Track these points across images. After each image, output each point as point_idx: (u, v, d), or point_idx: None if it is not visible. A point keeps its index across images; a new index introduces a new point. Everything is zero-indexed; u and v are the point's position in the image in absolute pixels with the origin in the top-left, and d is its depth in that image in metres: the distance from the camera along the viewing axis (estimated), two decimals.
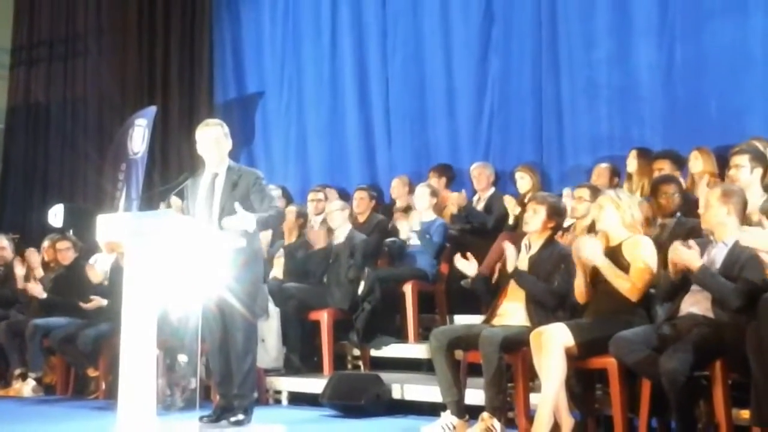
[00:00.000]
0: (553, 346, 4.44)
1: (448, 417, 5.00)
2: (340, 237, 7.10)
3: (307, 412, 6.10)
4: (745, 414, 4.19)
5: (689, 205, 5.55)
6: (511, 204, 7.04)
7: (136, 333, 4.37)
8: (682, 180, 6.11)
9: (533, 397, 4.82)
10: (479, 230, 7.32)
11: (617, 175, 7.05)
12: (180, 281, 4.92)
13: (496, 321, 5.11)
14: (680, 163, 6.53)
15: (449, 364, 5.02)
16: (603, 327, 4.49)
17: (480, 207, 7.64)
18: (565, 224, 5.80)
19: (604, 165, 7.10)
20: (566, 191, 6.64)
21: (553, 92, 7.97)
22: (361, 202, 7.90)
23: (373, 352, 6.76)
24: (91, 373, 7.13)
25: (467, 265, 5.27)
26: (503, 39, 8.34)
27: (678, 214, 5.44)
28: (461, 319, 6.70)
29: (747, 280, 4.17)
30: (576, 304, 4.87)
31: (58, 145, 11.41)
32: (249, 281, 5.18)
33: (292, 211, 7.58)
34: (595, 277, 4.73)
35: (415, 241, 7.09)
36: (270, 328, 6.61)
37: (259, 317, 5.38)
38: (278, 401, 6.56)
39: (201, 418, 5.23)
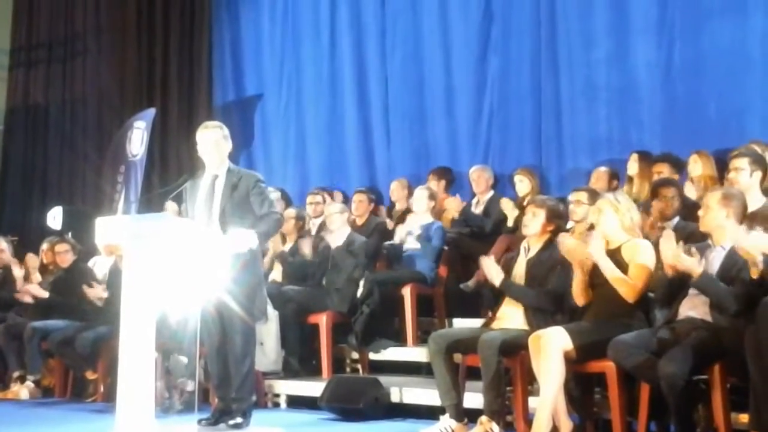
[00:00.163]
0: (551, 349, 4.43)
1: (446, 420, 5.00)
2: (338, 240, 7.09)
3: (305, 416, 6.09)
4: (744, 418, 4.18)
5: (689, 208, 5.53)
6: (508, 207, 7.04)
7: (134, 336, 4.37)
8: (688, 183, 6.12)
9: (532, 401, 4.81)
10: (478, 234, 7.31)
11: (616, 178, 7.05)
12: (179, 284, 4.92)
13: (494, 324, 5.11)
14: (679, 166, 6.53)
15: (448, 367, 5.01)
16: (602, 330, 4.49)
17: (479, 210, 7.62)
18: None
19: (603, 168, 7.09)
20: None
21: (552, 92, 7.97)
22: (360, 205, 7.90)
23: (372, 356, 6.74)
24: (90, 375, 7.12)
25: (496, 271, 5.13)
26: (502, 38, 8.33)
27: (677, 218, 5.43)
28: (460, 323, 6.69)
29: (744, 283, 4.16)
30: (574, 308, 4.86)
31: (57, 146, 11.42)
32: (248, 284, 5.18)
33: (291, 214, 7.57)
34: (593, 280, 4.72)
35: (410, 244, 7.07)
36: (269, 331, 6.60)
37: (257, 320, 5.37)
38: (277, 404, 6.55)
39: (199, 421, 5.23)
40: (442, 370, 5.00)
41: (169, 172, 10.12)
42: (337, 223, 7.12)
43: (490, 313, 5.26)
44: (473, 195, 7.83)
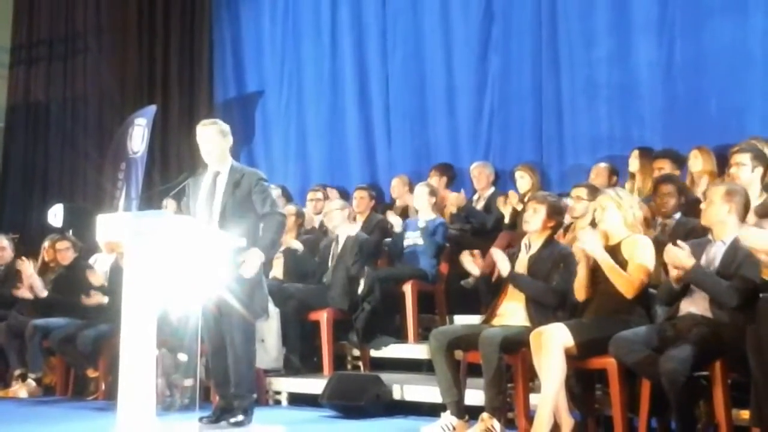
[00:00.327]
0: (552, 346, 4.43)
1: (447, 417, 4.99)
2: (340, 237, 7.10)
3: (306, 413, 6.09)
4: (745, 414, 4.18)
5: (689, 204, 5.53)
6: (514, 199, 7.03)
7: (135, 333, 4.37)
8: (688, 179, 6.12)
9: (533, 398, 4.81)
10: (479, 230, 7.32)
11: (616, 174, 7.05)
12: (180, 281, 4.91)
13: (495, 321, 5.11)
14: (680, 162, 6.53)
15: (449, 364, 5.01)
16: (603, 327, 4.49)
17: (480, 206, 7.64)
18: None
19: (602, 164, 7.10)
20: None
21: (553, 91, 7.98)
22: (361, 202, 7.90)
23: (373, 353, 6.75)
24: (91, 373, 7.12)
25: (472, 264, 5.27)
26: (503, 37, 8.34)
27: (678, 214, 5.43)
28: (461, 320, 6.69)
29: (744, 278, 4.16)
30: (576, 304, 4.86)
31: (58, 145, 11.41)
32: (248, 281, 5.16)
33: (291, 210, 7.57)
34: (595, 276, 4.72)
35: (412, 240, 7.07)
36: (270, 329, 6.60)
37: (258, 317, 5.37)
38: (278, 402, 6.55)
39: (200, 419, 5.23)
40: (443, 367, 5.00)
41: (169, 169, 10.12)
42: (337, 219, 7.12)
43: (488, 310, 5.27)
44: (474, 191, 7.83)
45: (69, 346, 7.07)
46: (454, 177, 8.25)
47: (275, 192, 7.30)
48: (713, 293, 4.24)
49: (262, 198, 5.23)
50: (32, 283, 7.57)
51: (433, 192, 7.27)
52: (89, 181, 10.74)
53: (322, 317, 6.71)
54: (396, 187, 8.35)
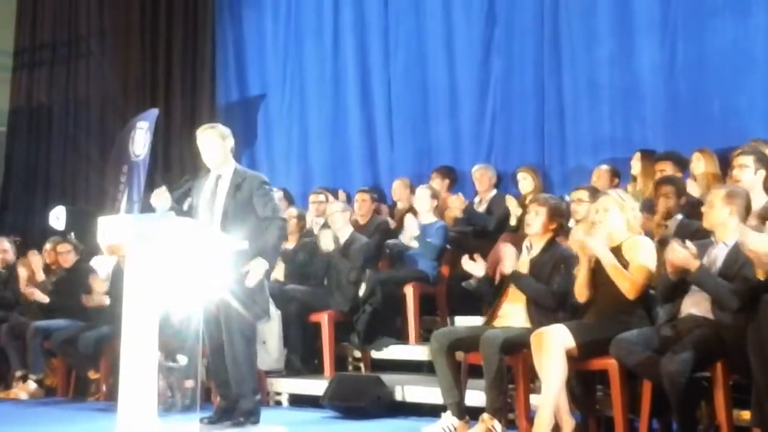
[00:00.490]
0: (553, 347, 4.42)
1: (448, 418, 4.99)
2: (341, 239, 7.10)
3: (308, 414, 6.09)
4: (746, 415, 4.17)
5: (691, 206, 5.52)
6: (512, 204, 7.03)
7: (137, 335, 4.36)
8: (691, 181, 6.10)
9: (534, 399, 4.81)
10: (480, 232, 7.31)
11: (618, 177, 7.04)
12: (181, 283, 4.91)
13: (496, 322, 5.11)
14: (682, 164, 6.51)
15: (450, 365, 5.01)
16: (604, 328, 4.48)
17: (481, 209, 7.62)
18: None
19: (604, 167, 7.09)
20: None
21: (556, 92, 7.97)
22: (363, 204, 7.89)
23: (374, 354, 6.75)
24: (92, 375, 7.13)
25: (475, 266, 5.26)
26: (505, 39, 8.33)
27: (679, 215, 5.42)
28: (462, 321, 6.69)
29: (745, 279, 4.16)
30: (577, 305, 4.86)
31: (61, 147, 11.43)
32: None
33: (292, 213, 7.57)
34: (596, 278, 4.72)
35: (413, 243, 7.07)
36: (271, 330, 6.60)
37: (259, 319, 5.36)
38: (279, 403, 6.56)
39: (202, 420, 5.22)
40: (444, 368, 5.00)
41: (172, 172, 10.12)
42: (339, 222, 7.13)
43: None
44: (476, 194, 7.83)
45: (70, 347, 7.09)
46: (456, 180, 8.24)
47: (277, 195, 7.29)
48: (715, 295, 4.24)
49: (263, 202, 5.22)
50: (32, 291, 7.59)
51: (434, 195, 7.27)
52: (91, 183, 10.73)
53: (323, 319, 6.72)
54: (397, 190, 8.34)
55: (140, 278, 4.42)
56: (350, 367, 6.95)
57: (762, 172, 5.13)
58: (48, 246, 8.17)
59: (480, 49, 8.45)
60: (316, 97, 9.53)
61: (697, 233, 4.95)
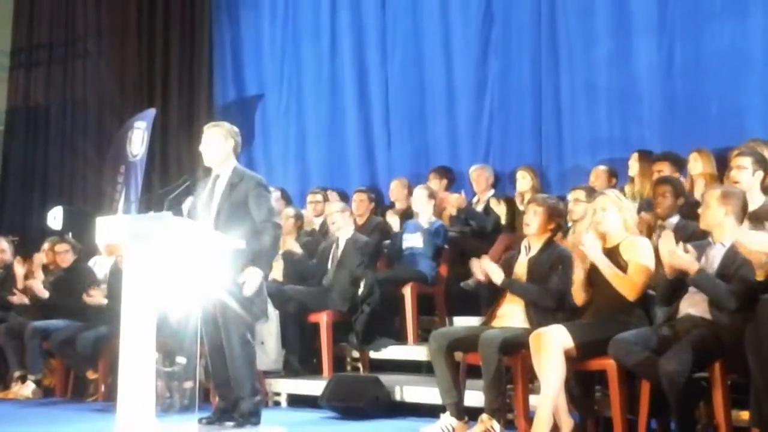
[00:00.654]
0: (552, 347, 4.43)
1: (447, 419, 5.00)
2: (340, 239, 7.10)
3: (306, 414, 6.09)
4: (745, 415, 4.18)
5: (689, 207, 5.53)
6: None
7: (135, 335, 4.37)
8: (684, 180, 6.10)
9: (533, 399, 4.81)
10: (478, 232, 7.32)
11: (615, 177, 7.06)
12: (179, 283, 4.92)
13: (495, 323, 5.11)
14: (680, 164, 6.53)
15: (449, 365, 5.01)
16: (602, 328, 4.49)
17: (479, 209, 7.63)
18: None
19: (602, 167, 7.11)
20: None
21: (553, 93, 7.98)
22: (360, 204, 7.90)
23: (373, 354, 6.75)
24: (91, 375, 7.12)
25: (496, 270, 5.15)
26: (503, 39, 8.34)
27: (677, 216, 5.43)
28: (460, 321, 6.68)
29: (742, 280, 4.16)
30: (575, 306, 4.86)
31: (58, 147, 11.41)
32: None
33: (290, 213, 7.57)
34: (593, 279, 4.73)
35: (411, 242, 7.07)
36: (269, 331, 6.59)
37: (258, 319, 5.35)
38: (277, 403, 6.55)
39: (200, 420, 5.21)
40: (443, 368, 5.00)
41: (169, 172, 10.12)
42: (338, 222, 7.13)
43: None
44: (474, 194, 7.83)
45: (69, 347, 7.08)
46: (454, 180, 8.24)
47: (274, 195, 7.30)
48: (715, 296, 4.24)
49: (257, 204, 5.15)
50: (32, 285, 7.58)
51: (432, 195, 7.27)
52: (89, 184, 10.73)
53: (322, 319, 6.71)
54: (395, 190, 8.34)
55: (138, 278, 4.43)
56: (349, 368, 6.95)
57: (760, 174, 5.13)
58: (46, 246, 8.16)
59: (477, 49, 8.46)
60: (314, 97, 9.53)
61: (693, 234, 4.97)
